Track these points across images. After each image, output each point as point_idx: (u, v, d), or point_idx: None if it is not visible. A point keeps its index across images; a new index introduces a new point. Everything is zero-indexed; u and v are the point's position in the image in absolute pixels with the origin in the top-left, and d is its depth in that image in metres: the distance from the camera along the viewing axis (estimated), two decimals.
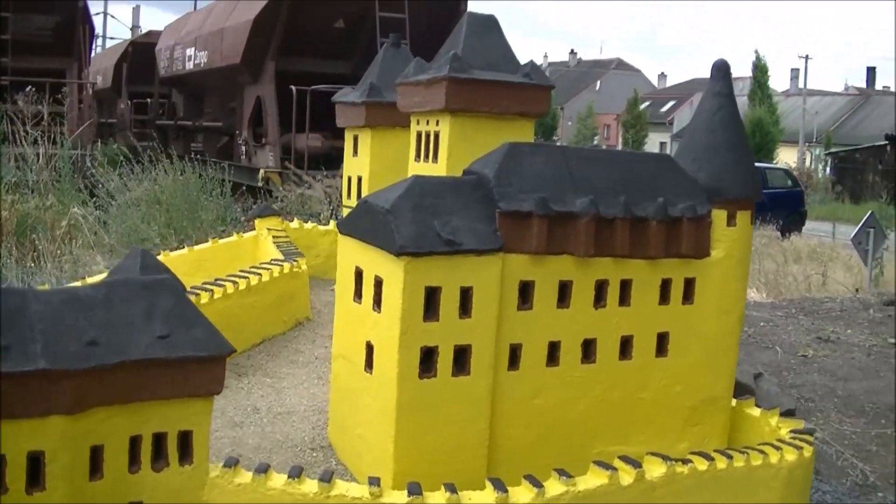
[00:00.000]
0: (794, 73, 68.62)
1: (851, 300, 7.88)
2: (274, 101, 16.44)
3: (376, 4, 15.24)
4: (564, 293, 3.62)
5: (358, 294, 3.59)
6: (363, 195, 5.78)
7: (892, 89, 66.58)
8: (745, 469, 3.65)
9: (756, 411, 4.31)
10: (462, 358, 3.43)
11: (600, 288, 3.69)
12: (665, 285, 3.84)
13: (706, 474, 3.55)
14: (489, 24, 4.74)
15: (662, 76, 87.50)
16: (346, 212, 6.09)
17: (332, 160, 16.05)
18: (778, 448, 3.79)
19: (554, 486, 3.24)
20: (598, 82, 79.01)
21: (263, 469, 3.15)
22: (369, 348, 3.51)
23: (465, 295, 3.39)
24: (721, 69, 4.05)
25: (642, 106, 60.70)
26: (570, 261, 3.59)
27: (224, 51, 17.71)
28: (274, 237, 5.89)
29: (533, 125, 4.83)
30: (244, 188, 15.52)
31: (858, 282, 12.13)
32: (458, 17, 17.01)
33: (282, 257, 5.33)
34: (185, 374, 3.01)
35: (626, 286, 3.75)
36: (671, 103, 69.26)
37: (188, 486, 3.09)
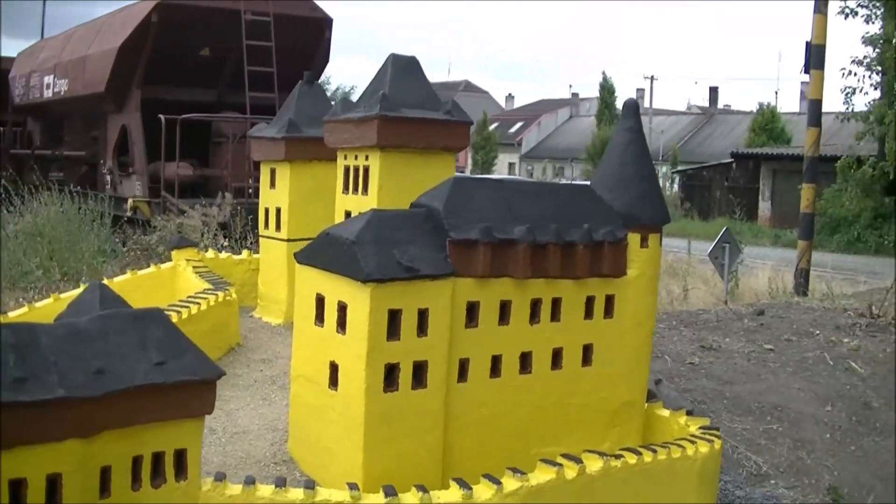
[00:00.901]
0: (640, 92, 71.50)
1: (725, 312, 8.58)
2: (140, 130, 16.32)
3: (243, 33, 15.38)
4: (505, 312, 4.03)
5: (320, 318, 3.90)
6: (282, 225, 6.08)
7: (733, 108, 70.21)
8: (667, 461, 4.13)
9: (665, 412, 4.81)
10: (420, 373, 3.79)
11: (535, 306, 4.12)
12: (589, 302, 4.30)
13: (635, 467, 4.01)
14: (412, 65, 5.12)
15: (510, 97, 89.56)
16: (262, 242, 6.34)
17: (200, 188, 16.10)
18: (693, 442, 4.29)
19: (510, 483, 3.64)
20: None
21: (251, 481, 3.43)
22: (333, 367, 3.82)
23: (423, 316, 3.75)
24: (631, 107, 4.56)
25: (491, 127, 61.93)
26: (509, 282, 4.00)
27: (87, 79, 17.45)
28: (194, 267, 6.10)
29: (454, 158, 5.24)
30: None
31: (715, 295, 12.99)
32: (324, 45, 17.27)
33: (210, 286, 5.55)
34: (181, 397, 3.26)
35: (556, 304, 4.18)
36: (519, 124, 70.87)
37: (184, 500, 3.34)
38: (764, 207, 37.14)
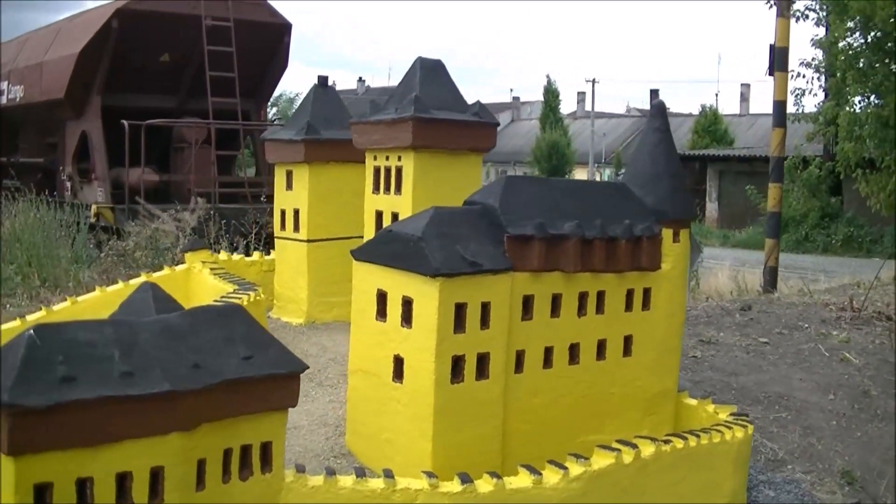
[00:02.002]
0: (581, 96, 72.28)
1: (714, 308, 8.82)
2: (101, 137, 16.19)
3: (204, 39, 15.36)
4: (556, 304, 4.18)
5: (381, 314, 4.01)
6: (301, 226, 6.16)
7: (673, 110, 71.20)
8: (708, 446, 4.31)
9: (693, 401, 4.99)
10: (482, 364, 3.93)
11: (582, 299, 4.27)
12: (629, 295, 4.46)
13: (682, 451, 4.18)
14: (438, 68, 5.25)
15: None
16: (277, 243, 6.41)
17: (162, 194, 16.00)
18: (729, 428, 4.47)
19: (574, 468, 3.78)
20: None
21: (332, 472, 3.53)
22: (398, 361, 3.93)
23: (485, 309, 3.89)
24: (659, 108, 4.74)
25: None
26: (560, 276, 4.15)
27: (44, 85, 17.25)
28: (211, 269, 6.14)
29: (481, 158, 5.38)
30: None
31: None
32: (283, 50, 17.31)
33: (237, 287, 5.61)
34: (268, 390, 3.35)
35: (600, 297, 4.34)
36: None
37: (268, 492, 3.43)
38: (711, 208, 37.82)
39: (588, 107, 65.82)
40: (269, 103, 21.22)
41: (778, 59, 12.63)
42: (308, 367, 3.51)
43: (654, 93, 73.20)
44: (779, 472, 5.23)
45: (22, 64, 18.51)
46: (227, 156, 17.22)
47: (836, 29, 16.98)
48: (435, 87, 5.13)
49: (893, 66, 16.28)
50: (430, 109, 4.96)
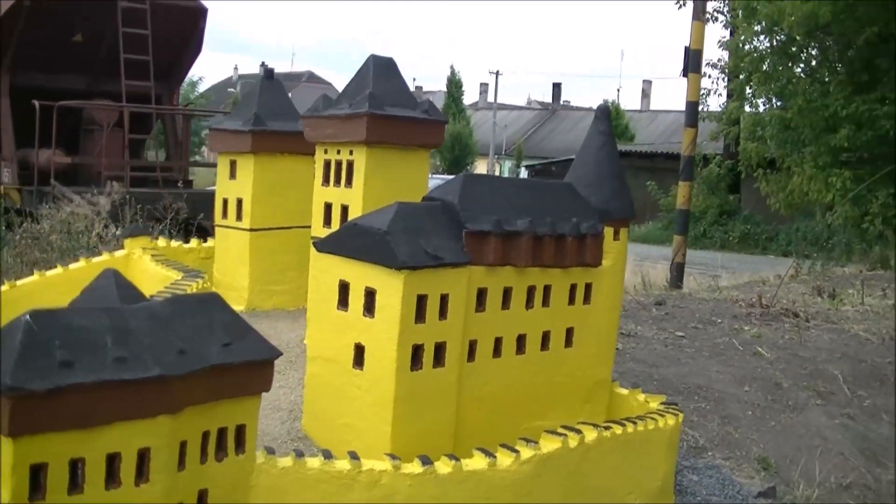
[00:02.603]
0: (484, 87, 72.94)
1: (629, 302, 9.20)
2: (9, 116, 15.86)
3: (119, 20, 15.19)
4: (507, 297, 4.41)
5: (343, 303, 4.18)
6: (244, 215, 6.27)
7: (573, 104, 72.41)
8: (644, 432, 4.60)
9: (624, 391, 5.30)
10: (439, 353, 4.13)
11: (530, 292, 4.51)
12: (572, 289, 4.72)
13: (622, 437, 4.47)
14: (390, 65, 5.42)
15: None
16: (218, 231, 6.50)
17: (70, 176, 15.77)
18: (662, 416, 4.77)
19: (525, 451, 4.02)
20: (290, 94, 79.58)
21: (300, 454, 3.70)
22: (359, 349, 4.11)
23: (444, 301, 4.09)
24: (604, 111, 5.01)
25: None
26: (512, 270, 4.38)
27: None
28: (152, 256, 6.21)
29: (429, 154, 5.57)
30: None
31: None
32: (198, 35, 17.21)
33: (181, 275, 5.70)
34: (245, 376, 3.50)
35: (547, 290, 4.59)
36: None
37: (241, 473, 3.58)
38: None
39: (490, 98, 66.38)
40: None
41: (692, 61, 13.15)
42: (282, 354, 3.67)
43: (556, 86, 74.75)
44: (700, 458, 5.58)
45: None
46: (138, 139, 17.04)
47: (743, 32, 17.72)
48: (387, 84, 5.31)
49: (797, 70, 17.08)
50: (384, 106, 5.14)
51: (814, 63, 18.00)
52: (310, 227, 6.34)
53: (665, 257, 15.80)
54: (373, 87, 5.21)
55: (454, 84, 58.93)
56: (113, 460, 3.10)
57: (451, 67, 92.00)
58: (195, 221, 12.56)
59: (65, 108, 14.84)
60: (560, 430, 4.27)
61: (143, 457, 3.17)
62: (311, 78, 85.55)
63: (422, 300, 4.00)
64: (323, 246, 4.29)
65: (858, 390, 7.26)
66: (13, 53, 15.35)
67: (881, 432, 6.77)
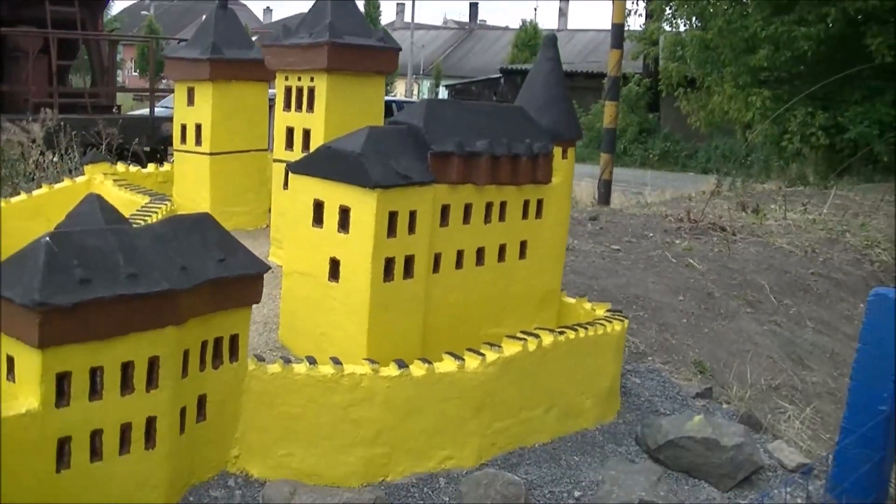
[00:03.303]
0: (401, 7, 72.48)
1: None
2: None
3: None
4: (468, 213, 4.75)
5: (318, 221, 4.48)
6: (203, 140, 6.48)
7: (489, 23, 72.32)
8: (594, 337, 5.02)
9: (571, 299, 5.71)
10: (409, 265, 4.47)
11: (488, 208, 4.85)
12: (525, 205, 5.08)
13: (574, 341, 4.88)
14: None
15: (268, 11, 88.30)
16: (177, 155, 6.70)
17: None
18: (610, 322, 5.20)
19: (490, 355, 4.42)
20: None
21: (287, 361, 4.04)
22: (334, 263, 4.43)
23: (412, 217, 4.42)
24: (551, 40, 5.32)
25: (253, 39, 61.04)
26: (472, 188, 4.71)
27: None
28: (114, 181, 6.41)
29: (384, 80, 5.85)
30: None
31: None
32: None
33: (147, 199, 5.91)
34: (238, 288, 3.81)
35: (503, 206, 4.93)
36: None
37: (236, 379, 3.92)
38: None
39: (407, 18, 65.88)
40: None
41: None
42: (270, 269, 3.99)
43: (473, 6, 74.41)
44: (641, 363, 6.04)
45: None
46: (63, 66, 16.84)
47: None
48: (344, 14, 5.54)
49: None
50: (343, 35, 5.39)
51: None
52: (265, 150, 6.61)
53: (589, 175, 16.26)
54: (331, 17, 5.44)
55: (371, 5, 58.31)
56: (127, 368, 3.40)
57: None
58: (129, 147, 12.58)
59: None
60: (520, 335, 4.67)
61: (153, 365, 3.48)
62: None
63: (393, 216, 4.32)
64: (297, 168, 4.57)
65: (784, 299, 7.81)
66: None
67: (806, 338, 7.34)
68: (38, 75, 15.80)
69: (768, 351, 6.71)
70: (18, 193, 6.69)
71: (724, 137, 26.98)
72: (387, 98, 31.17)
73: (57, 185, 6.50)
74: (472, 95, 44.01)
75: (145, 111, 17.98)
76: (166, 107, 17.48)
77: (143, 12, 69.91)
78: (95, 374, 3.31)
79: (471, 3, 72.91)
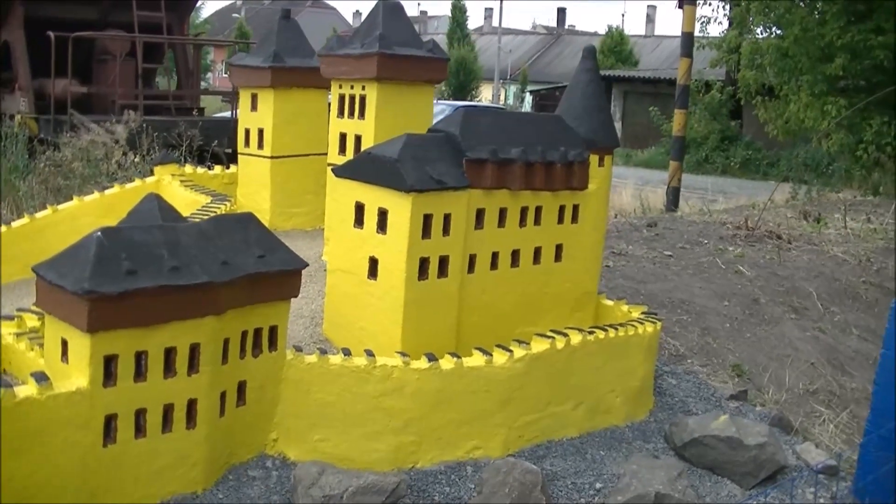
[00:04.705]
0: (489, 12, 72.75)
1: (623, 224, 9.79)
2: (24, 47, 16.24)
3: None
4: (502, 217, 4.98)
5: (359, 222, 4.76)
6: (265, 144, 6.83)
7: (578, 29, 72.21)
8: (624, 337, 5.21)
9: (610, 302, 5.90)
10: (443, 265, 4.72)
11: (524, 212, 5.08)
12: (561, 210, 5.28)
13: (603, 341, 5.08)
14: (398, 8, 5.94)
15: (357, 14, 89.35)
16: (241, 158, 7.06)
17: (84, 105, 16.21)
18: (642, 323, 5.38)
19: (518, 351, 4.64)
20: (296, 19, 79.14)
21: (324, 352, 4.32)
22: (373, 261, 4.71)
23: (447, 219, 4.67)
24: (590, 51, 5.54)
25: None
26: (506, 193, 4.95)
27: None
28: (181, 181, 6.79)
29: (434, 89, 6.12)
30: None
31: None
32: None
33: (209, 199, 6.27)
34: (277, 283, 4.11)
35: (538, 211, 5.15)
36: None
37: (274, 367, 4.21)
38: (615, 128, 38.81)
39: (495, 22, 66.01)
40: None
41: None
42: (308, 265, 4.28)
43: (560, 11, 74.27)
44: (680, 364, 6.19)
45: None
46: (149, 68, 17.45)
47: None
48: (395, 25, 5.82)
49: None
50: (393, 46, 5.67)
51: None
52: (324, 154, 6.92)
53: (666, 182, 16.31)
54: (382, 28, 5.72)
55: (458, 9, 58.70)
56: (169, 353, 3.72)
57: None
58: (209, 148, 13.06)
59: (77, 38, 15.25)
60: (549, 334, 4.88)
61: (193, 351, 3.79)
62: (315, 3, 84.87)
63: (427, 219, 4.58)
64: (341, 172, 4.86)
65: (831, 306, 7.86)
66: None
67: (849, 345, 7.39)
68: (125, 78, 16.41)
69: (809, 356, 6.79)
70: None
71: (807, 146, 26.63)
72: (471, 103, 31.53)
73: (128, 185, 6.90)
74: (557, 101, 43.80)
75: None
76: None
77: (234, 14, 71.37)
78: (140, 357, 3.63)
79: (559, 8, 72.87)
